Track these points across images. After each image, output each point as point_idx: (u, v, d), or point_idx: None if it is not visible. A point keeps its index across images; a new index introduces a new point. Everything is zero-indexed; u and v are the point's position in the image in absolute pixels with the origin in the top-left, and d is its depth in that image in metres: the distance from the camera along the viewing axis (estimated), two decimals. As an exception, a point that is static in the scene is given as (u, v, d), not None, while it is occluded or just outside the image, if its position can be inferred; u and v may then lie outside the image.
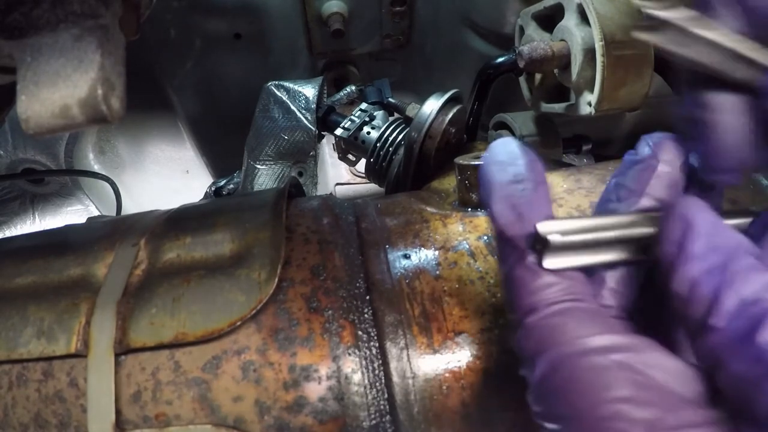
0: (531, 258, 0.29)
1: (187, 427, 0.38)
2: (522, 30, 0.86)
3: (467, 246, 0.46)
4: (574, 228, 0.29)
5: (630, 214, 0.31)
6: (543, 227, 0.29)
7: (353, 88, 0.83)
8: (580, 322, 0.27)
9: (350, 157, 0.79)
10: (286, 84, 0.81)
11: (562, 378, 0.26)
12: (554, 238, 0.28)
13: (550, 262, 0.29)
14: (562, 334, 0.27)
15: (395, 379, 0.39)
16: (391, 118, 0.76)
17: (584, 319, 0.27)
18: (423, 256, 0.45)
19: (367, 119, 0.75)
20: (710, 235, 0.27)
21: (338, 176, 1.20)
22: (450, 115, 0.64)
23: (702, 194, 0.32)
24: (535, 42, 0.73)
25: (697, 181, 0.33)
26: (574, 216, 0.30)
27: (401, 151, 0.69)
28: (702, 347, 0.25)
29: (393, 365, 0.40)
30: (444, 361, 0.40)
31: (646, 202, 0.32)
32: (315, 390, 0.39)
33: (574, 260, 0.29)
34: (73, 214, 1.18)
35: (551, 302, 0.28)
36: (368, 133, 0.74)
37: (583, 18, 0.70)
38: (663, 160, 0.32)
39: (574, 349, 0.26)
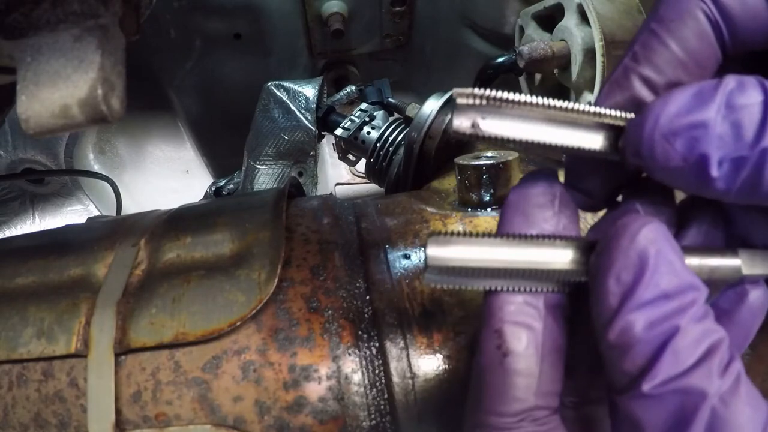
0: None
1: (187, 427, 0.38)
2: (522, 30, 0.86)
3: (467, 246, 0.46)
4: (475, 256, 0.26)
5: (552, 241, 0.26)
6: (434, 250, 0.26)
7: (353, 88, 0.83)
8: None
9: (350, 157, 0.79)
10: (286, 84, 0.81)
11: None
12: (436, 255, 0.25)
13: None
14: None
15: (395, 379, 0.39)
16: (391, 118, 0.76)
17: None
18: (423, 256, 0.45)
19: (367, 119, 0.75)
20: (666, 275, 0.23)
21: (338, 176, 1.20)
22: (450, 115, 0.64)
23: (653, 207, 0.28)
24: (535, 42, 0.73)
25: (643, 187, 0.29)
26: (482, 237, 0.26)
27: (401, 151, 0.69)
28: (625, 409, 0.23)
29: (393, 365, 0.40)
30: (444, 361, 0.40)
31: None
32: (315, 390, 0.38)
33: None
34: (73, 214, 1.18)
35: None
36: (368, 133, 0.74)
37: (583, 18, 0.70)
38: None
39: None
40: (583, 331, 0.27)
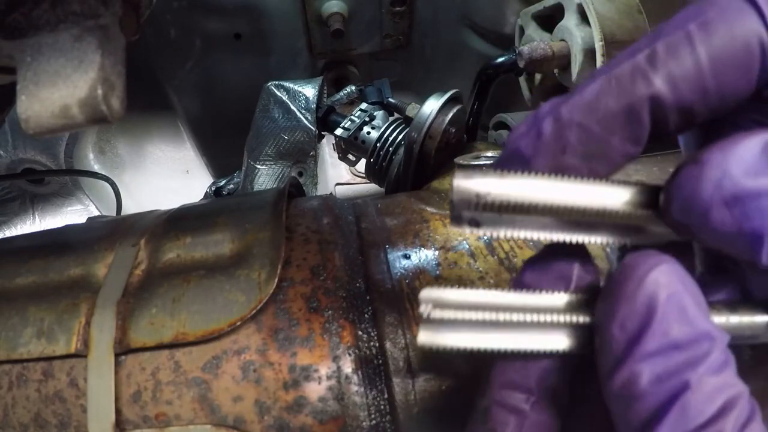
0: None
1: (187, 427, 0.38)
2: (522, 30, 0.86)
3: (467, 246, 0.46)
4: (469, 302, 0.24)
5: (558, 295, 0.25)
6: (427, 294, 0.24)
7: (353, 88, 0.83)
8: None
9: (350, 157, 0.79)
10: (286, 84, 0.81)
11: None
12: (429, 311, 0.24)
13: (426, 335, 0.24)
14: None
15: (395, 379, 0.39)
16: (391, 118, 0.76)
17: None
18: (423, 256, 0.45)
19: (367, 119, 0.75)
20: (676, 323, 0.20)
21: (338, 176, 1.20)
22: (450, 115, 0.64)
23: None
24: (535, 42, 0.73)
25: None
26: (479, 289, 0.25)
27: (401, 151, 0.69)
28: None
29: (393, 365, 0.40)
30: (444, 361, 0.40)
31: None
32: (315, 390, 0.38)
33: (459, 339, 0.24)
34: (73, 214, 1.18)
35: None
36: (368, 133, 0.74)
37: (583, 18, 0.70)
38: None
39: None
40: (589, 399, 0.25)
